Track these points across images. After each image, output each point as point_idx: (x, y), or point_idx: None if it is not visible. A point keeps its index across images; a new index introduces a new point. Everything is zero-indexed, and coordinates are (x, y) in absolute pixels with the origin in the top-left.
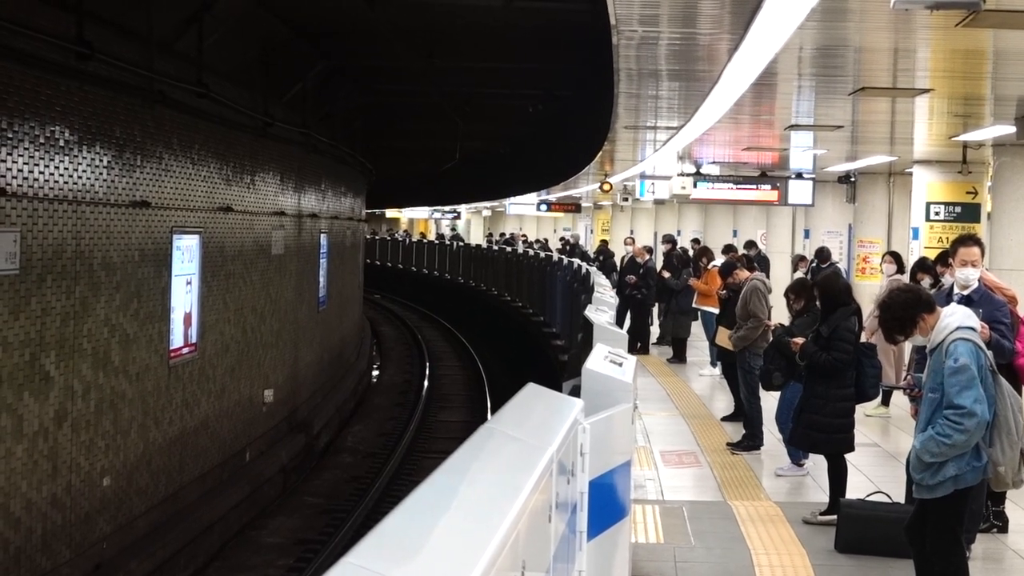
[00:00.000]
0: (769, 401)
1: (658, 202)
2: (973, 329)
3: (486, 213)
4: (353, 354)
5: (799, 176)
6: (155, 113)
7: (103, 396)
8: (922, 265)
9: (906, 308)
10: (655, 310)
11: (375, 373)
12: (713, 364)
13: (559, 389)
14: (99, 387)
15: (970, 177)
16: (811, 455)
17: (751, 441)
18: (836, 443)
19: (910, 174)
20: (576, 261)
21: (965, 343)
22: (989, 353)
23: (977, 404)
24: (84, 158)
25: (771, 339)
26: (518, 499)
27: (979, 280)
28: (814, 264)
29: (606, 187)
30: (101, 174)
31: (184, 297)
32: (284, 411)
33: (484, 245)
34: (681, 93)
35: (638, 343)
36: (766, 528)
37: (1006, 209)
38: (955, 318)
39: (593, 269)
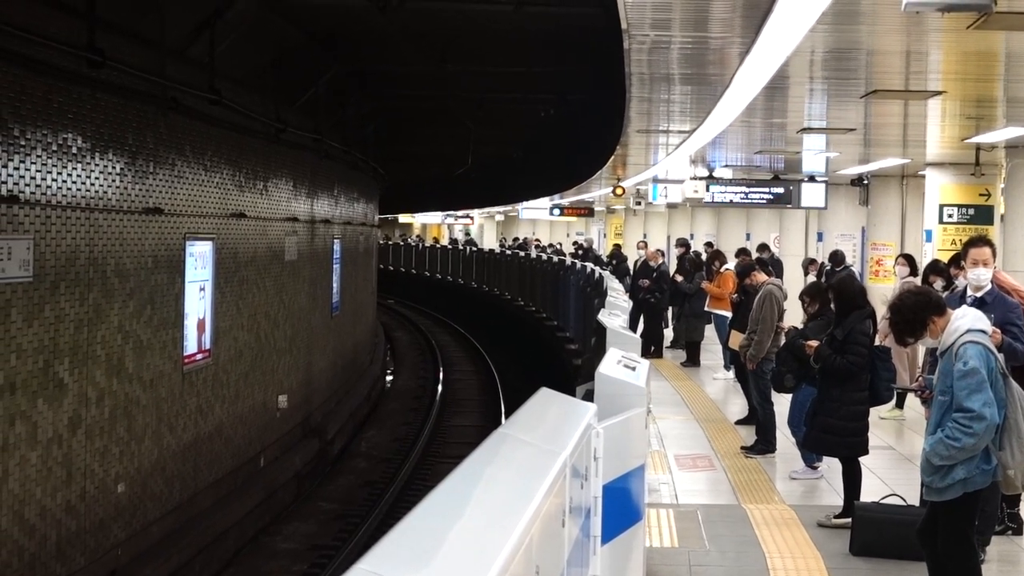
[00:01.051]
0: (781, 404)
1: (671, 206)
2: (984, 332)
3: (499, 218)
4: (367, 359)
5: (812, 179)
6: (168, 120)
7: (117, 403)
8: (934, 267)
9: (916, 310)
10: (668, 313)
11: (389, 378)
12: (727, 367)
13: (573, 393)
14: (113, 394)
15: (983, 179)
16: (825, 458)
17: (764, 445)
18: (850, 446)
19: (923, 176)
20: (589, 265)
21: (975, 346)
22: (1000, 356)
23: (986, 407)
24: (97, 165)
25: (783, 342)
26: (531, 504)
27: (992, 282)
28: (828, 267)
29: (619, 191)
30: (114, 181)
31: (198, 303)
32: (298, 416)
33: (497, 250)
34: (693, 97)
35: (652, 347)
36: (780, 532)
37: (1019, 211)
38: (965, 321)
39: (606, 273)
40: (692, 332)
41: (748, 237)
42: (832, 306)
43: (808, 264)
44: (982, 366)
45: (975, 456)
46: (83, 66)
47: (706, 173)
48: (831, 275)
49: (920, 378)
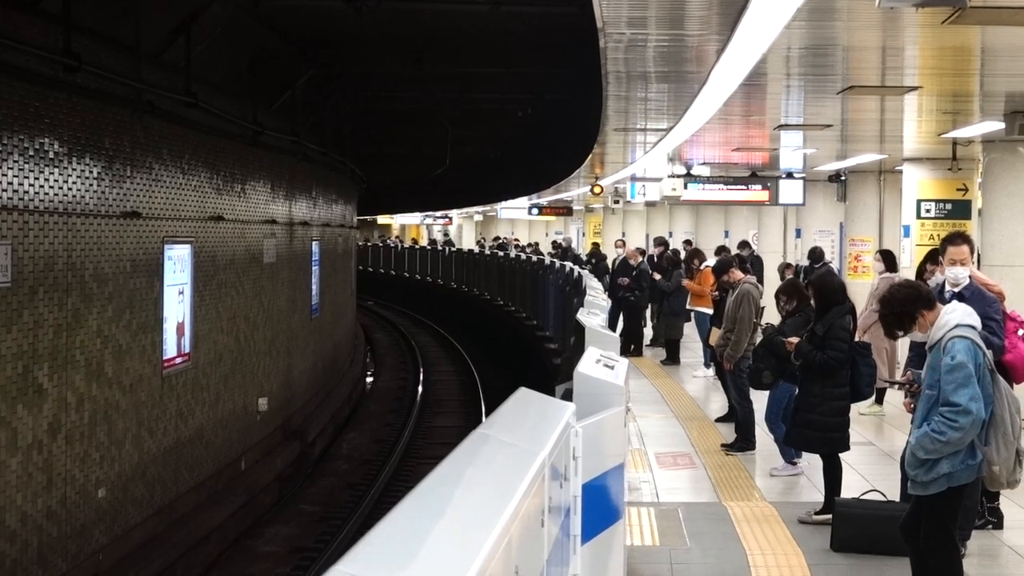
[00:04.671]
0: (761, 402)
1: (649, 204)
2: (972, 327)
3: (478, 218)
4: (347, 361)
5: (789, 176)
6: (144, 123)
7: (97, 407)
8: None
9: (906, 304)
10: (648, 312)
11: (369, 379)
12: (707, 365)
13: (552, 393)
14: (93, 398)
15: (960, 174)
16: (805, 454)
17: (744, 443)
18: (832, 442)
19: (900, 172)
20: (568, 264)
21: (963, 340)
22: (989, 352)
23: (973, 402)
24: (74, 170)
25: (760, 339)
26: (511, 504)
27: (970, 277)
28: (807, 264)
29: (597, 190)
30: (91, 185)
31: (177, 307)
32: (279, 419)
33: (476, 250)
34: (670, 95)
35: (632, 345)
36: (761, 528)
37: (996, 205)
38: (955, 315)
39: (585, 272)
40: (671, 330)
41: (727, 234)
42: (810, 303)
43: (784, 268)
44: (969, 361)
45: (960, 451)
46: (59, 71)
47: (684, 171)
48: (810, 272)
49: (909, 372)
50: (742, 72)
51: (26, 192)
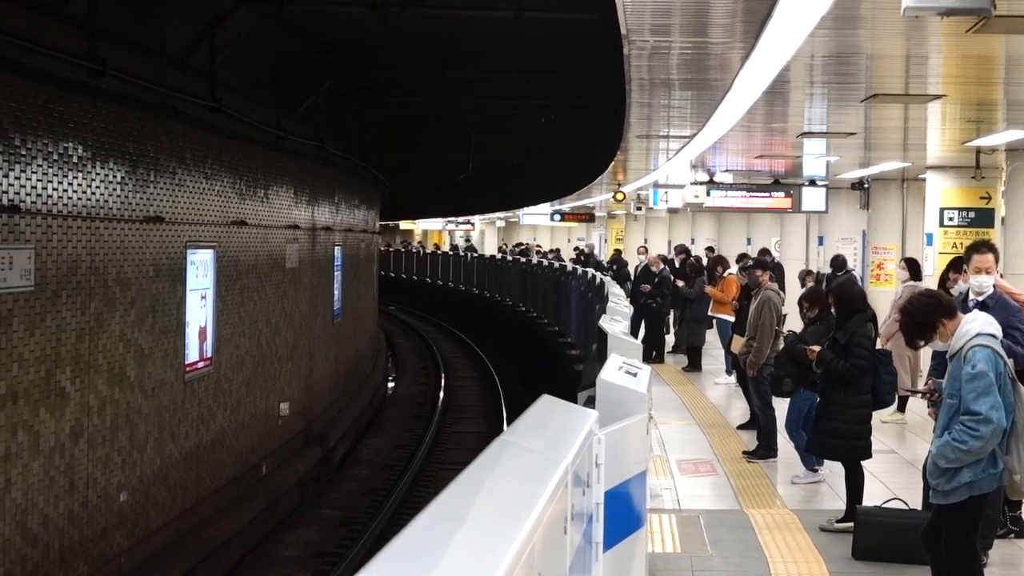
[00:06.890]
0: (781, 409)
1: (672, 211)
2: (994, 336)
3: (500, 224)
4: (368, 366)
5: (812, 183)
6: (168, 128)
7: (119, 411)
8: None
9: (926, 313)
10: (670, 319)
11: (391, 385)
12: (728, 372)
13: (575, 400)
14: (115, 402)
15: (984, 182)
16: (827, 462)
17: (766, 450)
18: (854, 450)
19: (923, 180)
20: (590, 271)
21: (984, 349)
22: (1010, 361)
23: (994, 411)
24: (98, 174)
25: (782, 346)
26: (534, 511)
27: (994, 286)
28: (829, 272)
29: (619, 196)
30: (115, 190)
31: (199, 311)
32: (300, 424)
33: (498, 256)
34: (693, 102)
35: (653, 352)
36: (783, 536)
37: (1020, 214)
38: (975, 324)
39: (607, 278)
40: (693, 337)
41: (749, 242)
42: (832, 310)
43: (805, 275)
44: (990, 370)
45: (981, 459)
46: (84, 75)
47: (707, 178)
48: (832, 280)
49: (930, 381)
50: (766, 80)
51: (49, 196)
